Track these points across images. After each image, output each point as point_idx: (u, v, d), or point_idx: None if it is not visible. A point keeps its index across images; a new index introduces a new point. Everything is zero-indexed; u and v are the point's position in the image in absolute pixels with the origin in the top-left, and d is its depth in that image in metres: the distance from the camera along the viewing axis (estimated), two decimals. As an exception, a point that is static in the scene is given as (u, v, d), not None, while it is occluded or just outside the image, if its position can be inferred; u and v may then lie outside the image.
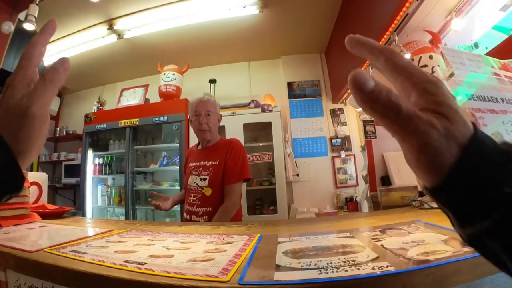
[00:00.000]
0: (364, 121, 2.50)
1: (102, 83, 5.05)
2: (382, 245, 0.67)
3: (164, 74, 4.04)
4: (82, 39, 3.65)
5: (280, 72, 4.62)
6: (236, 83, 4.66)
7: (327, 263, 0.55)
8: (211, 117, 1.86)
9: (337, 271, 0.51)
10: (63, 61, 0.45)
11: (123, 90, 4.41)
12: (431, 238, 0.71)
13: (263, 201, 3.87)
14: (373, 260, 0.56)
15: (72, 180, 4.51)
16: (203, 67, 4.70)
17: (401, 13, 2.19)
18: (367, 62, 3.04)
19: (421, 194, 1.46)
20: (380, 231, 0.83)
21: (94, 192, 4.28)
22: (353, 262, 0.55)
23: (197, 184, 1.78)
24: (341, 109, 4.41)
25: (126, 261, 0.62)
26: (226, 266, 0.56)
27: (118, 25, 3.45)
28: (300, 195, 4.08)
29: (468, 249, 0.56)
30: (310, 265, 0.55)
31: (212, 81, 4.39)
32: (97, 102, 4.70)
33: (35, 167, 4.72)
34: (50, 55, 3.73)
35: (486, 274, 0.53)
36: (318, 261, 0.57)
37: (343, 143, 4.24)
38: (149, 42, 3.89)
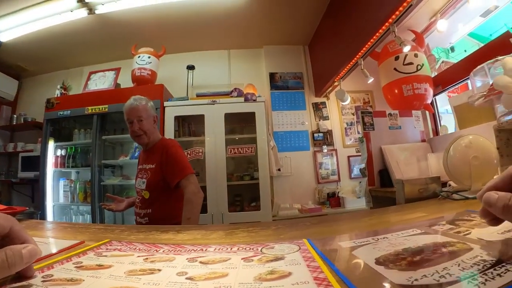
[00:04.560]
0: (363, 112, 2.38)
1: (67, 66, 4.58)
2: (479, 238, 0.53)
3: (139, 56, 3.73)
4: (46, 12, 3.20)
5: (262, 62, 4.48)
6: (216, 71, 4.45)
7: (461, 269, 0.39)
8: (143, 122, 1.90)
9: (491, 279, 0.35)
10: (32, 256, 0.43)
11: (91, 73, 4.02)
12: None
13: (244, 197, 3.68)
14: (501, 257, 0.42)
15: (31, 174, 4.03)
16: (181, 53, 4.43)
17: (404, 4, 2.11)
18: (353, 59, 3.03)
19: (444, 184, 1.34)
20: (448, 223, 0.68)
21: (56, 187, 3.84)
22: (490, 264, 0.39)
23: (140, 187, 1.91)
24: (323, 103, 4.35)
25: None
26: None
27: (91, -4, 3.07)
28: (281, 190, 3.97)
29: None
30: (444, 277, 0.37)
31: (190, 67, 4.13)
32: (61, 87, 4.21)
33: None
34: (8, 28, 3.32)
35: None
36: (445, 269, 0.39)
37: (325, 138, 4.16)
38: (123, 20, 3.55)
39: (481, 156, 1.11)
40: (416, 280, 0.37)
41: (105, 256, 0.60)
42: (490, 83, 1.58)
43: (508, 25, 2.73)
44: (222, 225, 1.05)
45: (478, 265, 0.40)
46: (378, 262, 0.45)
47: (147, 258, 0.57)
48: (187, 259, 0.56)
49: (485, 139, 1.17)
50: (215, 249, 0.63)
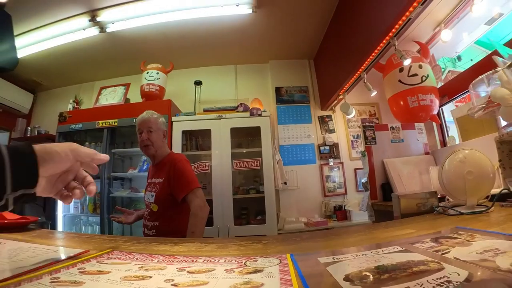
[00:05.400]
0: (364, 126, 2.39)
1: (79, 81, 4.73)
2: (455, 258, 0.54)
3: (147, 72, 3.82)
4: (60, 30, 3.34)
5: (268, 76, 4.52)
6: (222, 86, 4.50)
7: None
8: (153, 133, 1.98)
9: None
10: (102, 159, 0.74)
11: (102, 88, 4.14)
12: (502, 245, 0.59)
13: (250, 211, 3.68)
14: (470, 278, 0.43)
15: None
16: (188, 69, 4.52)
17: (403, 18, 2.13)
18: (356, 73, 3.05)
19: (441, 199, 1.34)
20: (432, 241, 0.69)
21: (67, 198, 3.91)
22: (453, 285, 0.40)
23: (148, 200, 1.96)
24: (329, 116, 4.34)
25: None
26: None
27: (102, 16, 3.19)
28: (287, 204, 3.95)
29: None
30: None
31: (198, 83, 4.20)
32: (73, 101, 4.36)
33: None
34: (25, 45, 3.45)
35: None
36: None
37: (331, 151, 4.15)
38: (133, 38, 3.66)
39: (476, 171, 1.11)
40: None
41: (106, 263, 0.67)
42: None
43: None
44: (216, 239, 1.07)
45: (441, 286, 0.41)
46: (346, 278, 0.47)
47: (142, 267, 0.64)
48: (176, 268, 0.62)
49: (481, 154, 1.17)
50: (204, 260, 0.68)
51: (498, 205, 1.11)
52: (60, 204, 3.79)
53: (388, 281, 0.44)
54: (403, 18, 2.12)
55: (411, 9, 2.04)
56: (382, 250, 0.64)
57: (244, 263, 0.63)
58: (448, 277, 0.44)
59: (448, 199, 1.35)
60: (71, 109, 4.20)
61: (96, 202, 3.75)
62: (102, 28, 3.36)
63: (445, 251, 0.59)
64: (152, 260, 0.70)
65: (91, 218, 3.88)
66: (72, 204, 3.88)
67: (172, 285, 0.51)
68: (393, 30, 2.26)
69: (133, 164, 4.03)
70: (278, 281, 0.50)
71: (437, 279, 0.43)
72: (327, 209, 3.90)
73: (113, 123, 3.67)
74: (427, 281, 0.43)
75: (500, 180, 1.40)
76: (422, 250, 0.62)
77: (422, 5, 2.00)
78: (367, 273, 0.49)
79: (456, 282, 0.42)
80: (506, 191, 1.14)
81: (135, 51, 3.95)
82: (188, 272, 0.59)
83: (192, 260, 0.69)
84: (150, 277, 0.56)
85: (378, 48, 2.51)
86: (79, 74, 4.55)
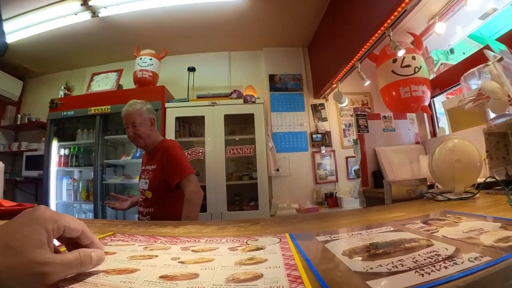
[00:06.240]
0: (357, 115, 2.43)
1: (71, 67, 4.65)
2: (443, 236, 0.59)
3: (141, 58, 3.79)
4: (51, 15, 3.27)
5: (262, 64, 4.52)
6: (216, 72, 4.49)
7: (414, 262, 0.44)
8: (138, 127, 1.96)
9: (438, 270, 0.40)
10: (100, 260, 0.49)
11: (94, 74, 4.10)
12: (486, 225, 0.65)
13: (243, 197, 3.73)
14: (457, 252, 0.47)
15: (34, 173, 4.09)
16: (182, 55, 4.48)
17: (399, 9, 2.16)
18: (350, 62, 3.07)
19: (430, 186, 1.39)
20: (422, 222, 0.74)
21: (59, 186, 3.90)
22: (442, 258, 0.45)
23: (142, 187, 1.98)
24: (322, 105, 4.39)
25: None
26: (295, 286, 0.39)
27: (94, 0, 3.13)
28: (280, 190, 4.01)
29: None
30: (396, 266, 0.43)
31: (191, 69, 4.18)
32: (64, 87, 4.31)
33: (-10, 157, 4.29)
34: (14, 30, 3.38)
35: None
36: (400, 261, 0.45)
37: (323, 139, 4.21)
38: (125, 23, 3.61)
39: (464, 159, 1.16)
40: (371, 268, 0.42)
41: (110, 245, 0.67)
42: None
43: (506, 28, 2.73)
44: (215, 221, 1.09)
45: (431, 258, 0.45)
46: (344, 253, 0.51)
47: (146, 247, 0.65)
48: (181, 248, 0.63)
49: (470, 143, 1.22)
50: (207, 240, 0.71)
51: (483, 192, 1.17)
52: (52, 191, 3.79)
53: (383, 255, 0.48)
54: (399, 9, 2.15)
55: (407, 0, 2.06)
56: (376, 230, 0.69)
57: (246, 242, 0.66)
58: (438, 251, 0.48)
59: (437, 186, 1.40)
60: (62, 96, 4.15)
61: (89, 189, 3.76)
62: (94, 13, 3.30)
63: (434, 231, 0.64)
64: (155, 241, 0.71)
65: (84, 205, 3.89)
66: (64, 191, 3.90)
67: (179, 262, 0.52)
68: (389, 20, 2.29)
69: (126, 150, 4.03)
70: (280, 257, 0.53)
71: (427, 253, 0.48)
72: (318, 196, 3.97)
73: (105, 109, 3.64)
74: (419, 255, 0.47)
75: (486, 169, 1.47)
76: (413, 230, 0.66)
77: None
78: (364, 249, 0.53)
79: (445, 255, 0.46)
80: (491, 179, 1.20)
81: (128, 36, 3.90)
82: (193, 251, 0.61)
83: (195, 240, 0.71)
84: (156, 256, 0.57)
85: (373, 38, 2.53)
86: (71, 60, 4.48)
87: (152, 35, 3.94)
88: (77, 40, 3.86)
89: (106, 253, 0.58)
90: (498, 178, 1.19)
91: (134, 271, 0.47)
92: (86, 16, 3.33)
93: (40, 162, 3.88)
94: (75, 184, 3.86)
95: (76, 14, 3.29)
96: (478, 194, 1.11)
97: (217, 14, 3.56)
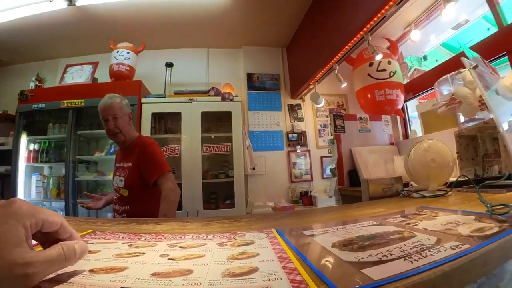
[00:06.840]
0: (334, 115, 2.48)
1: (43, 58, 4.42)
2: (424, 228, 0.62)
3: (117, 51, 3.68)
4: (24, 1, 3.10)
5: (240, 62, 4.52)
6: (194, 69, 4.45)
7: (401, 251, 0.47)
8: (119, 120, 1.92)
9: (424, 257, 0.43)
10: (84, 251, 0.47)
11: (67, 66, 3.92)
12: (461, 218, 0.70)
13: (219, 195, 3.71)
14: (439, 242, 0.51)
15: (1, 169, 3.82)
16: (160, 50, 4.38)
17: (378, 15, 2.23)
18: (328, 64, 3.14)
19: (405, 185, 1.45)
20: (401, 216, 0.79)
21: (28, 183, 3.72)
22: (426, 247, 0.49)
23: (117, 184, 1.92)
24: (298, 105, 4.45)
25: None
26: (293, 277, 0.39)
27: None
28: (255, 188, 4.02)
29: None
30: (386, 256, 0.45)
31: (169, 64, 4.10)
32: (35, 78, 4.09)
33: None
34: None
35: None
36: (388, 250, 0.47)
37: (299, 138, 4.28)
38: (103, 13, 3.48)
39: (438, 159, 1.22)
40: (362, 258, 0.44)
41: (92, 243, 0.64)
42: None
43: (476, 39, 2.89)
44: (198, 218, 1.08)
45: (417, 247, 0.48)
46: (333, 245, 0.53)
47: (131, 245, 0.62)
48: (167, 245, 0.61)
49: (443, 144, 1.28)
50: (193, 236, 0.69)
51: (455, 190, 1.23)
52: (20, 188, 3.60)
53: (371, 246, 0.50)
54: (379, 15, 2.22)
55: (387, 7, 2.13)
56: (359, 224, 0.71)
57: (233, 237, 0.65)
58: (421, 241, 0.51)
59: (411, 184, 1.46)
60: (33, 88, 3.93)
61: (60, 186, 3.60)
62: (70, 1, 3.15)
63: (414, 224, 0.67)
64: (139, 238, 0.69)
65: (55, 203, 3.70)
66: (34, 188, 3.72)
67: (169, 259, 0.50)
68: (368, 26, 2.36)
69: (100, 146, 3.90)
70: (271, 250, 0.53)
71: (412, 243, 0.51)
72: (293, 194, 4.02)
73: (79, 103, 3.50)
74: (404, 245, 0.50)
75: (457, 169, 1.55)
76: (395, 223, 0.69)
77: (398, 4, 2.10)
78: (352, 241, 0.55)
79: (429, 244, 0.49)
80: (462, 178, 1.27)
81: (105, 28, 3.77)
82: (181, 247, 0.59)
83: (180, 237, 0.69)
84: (143, 253, 0.55)
85: (352, 41, 2.60)
86: (43, 50, 4.25)
87: (130, 28, 3.83)
88: (51, 29, 3.67)
89: (90, 251, 0.54)
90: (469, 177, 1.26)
91: (123, 270, 0.45)
92: (61, 4, 3.18)
93: (8, 157, 3.65)
94: (45, 180, 3.69)
95: (51, 1, 3.14)
96: (450, 192, 1.17)
97: (198, 9, 3.52)
